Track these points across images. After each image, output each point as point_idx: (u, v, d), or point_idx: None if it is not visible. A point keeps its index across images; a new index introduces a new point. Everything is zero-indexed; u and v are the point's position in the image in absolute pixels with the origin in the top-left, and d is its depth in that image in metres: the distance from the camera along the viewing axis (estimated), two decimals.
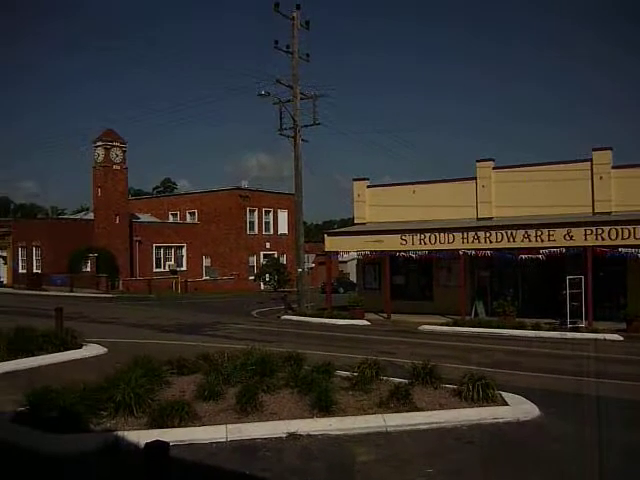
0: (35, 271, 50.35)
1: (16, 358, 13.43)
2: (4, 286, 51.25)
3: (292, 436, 8.27)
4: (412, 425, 8.77)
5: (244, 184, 60.36)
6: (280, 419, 8.76)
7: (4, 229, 54.50)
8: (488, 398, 9.66)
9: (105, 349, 15.76)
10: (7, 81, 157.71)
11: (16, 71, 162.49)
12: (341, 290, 51.30)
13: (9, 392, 10.77)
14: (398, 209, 29.58)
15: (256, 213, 59.03)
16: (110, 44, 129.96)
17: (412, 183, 31.01)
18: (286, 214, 60.90)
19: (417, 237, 26.56)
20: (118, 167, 50.77)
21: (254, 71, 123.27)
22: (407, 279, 30.69)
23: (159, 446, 4.52)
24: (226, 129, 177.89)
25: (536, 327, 22.02)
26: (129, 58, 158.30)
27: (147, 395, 8.91)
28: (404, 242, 26.80)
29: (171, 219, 60.94)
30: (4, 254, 54.44)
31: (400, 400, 9.36)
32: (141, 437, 7.77)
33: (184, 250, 57.52)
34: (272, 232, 60.71)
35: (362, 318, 26.72)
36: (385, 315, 27.60)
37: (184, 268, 56.55)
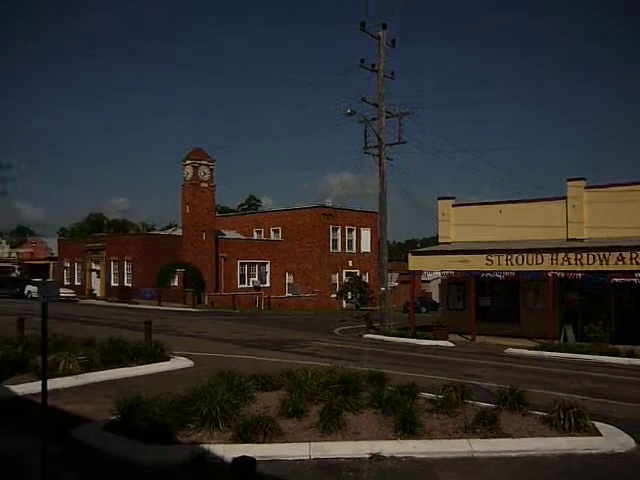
0: (126, 284, 52.30)
1: (109, 368, 13.94)
2: (97, 298, 53.45)
3: (375, 457, 8.16)
4: (500, 452, 8.49)
5: (327, 202, 60.78)
6: (363, 439, 8.68)
7: (98, 244, 57.06)
8: (580, 427, 9.23)
9: (191, 362, 16.12)
10: (103, 99, 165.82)
11: (111, 90, 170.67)
12: (423, 310, 50.65)
13: (102, 401, 11.18)
14: (484, 229, 28.97)
15: (339, 231, 59.25)
16: (199, 65, 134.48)
17: (499, 202, 30.31)
18: (369, 232, 60.87)
19: (504, 257, 25.90)
20: (206, 185, 52.24)
21: (339, 90, 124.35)
22: (492, 300, 29.90)
23: (246, 462, 4.57)
24: (310, 147, 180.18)
25: (630, 354, 20.92)
26: (215, 76, 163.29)
27: (232, 410, 9.03)
28: (490, 262, 26.19)
29: (255, 236, 62.03)
30: (98, 268, 56.90)
31: (487, 425, 9.09)
32: (226, 451, 7.88)
33: (268, 267, 58.37)
34: (355, 250, 60.74)
35: (446, 339, 26.22)
36: (469, 337, 26.99)
37: (267, 284, 57.34)
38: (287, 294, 57.50)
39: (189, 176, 51.78)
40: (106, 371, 13.77)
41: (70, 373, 12.99)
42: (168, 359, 15.62)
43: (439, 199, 32.27)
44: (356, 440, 8.66)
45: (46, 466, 6.80)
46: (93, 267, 57.56)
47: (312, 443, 8.42)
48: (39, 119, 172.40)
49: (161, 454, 8.00)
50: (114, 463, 7.82)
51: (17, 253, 75.77)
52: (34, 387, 11.55)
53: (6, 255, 74.88)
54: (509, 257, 25.78)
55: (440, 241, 31.89)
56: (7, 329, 16.66)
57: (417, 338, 26.37)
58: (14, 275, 66.93)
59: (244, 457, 4.63)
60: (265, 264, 58.26)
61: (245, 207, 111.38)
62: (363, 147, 30.72)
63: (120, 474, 7.54)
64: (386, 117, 30.20)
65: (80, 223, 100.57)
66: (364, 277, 59.14)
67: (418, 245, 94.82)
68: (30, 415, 10.16)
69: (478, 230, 29.27)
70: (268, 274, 58.37)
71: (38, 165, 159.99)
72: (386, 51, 30.02)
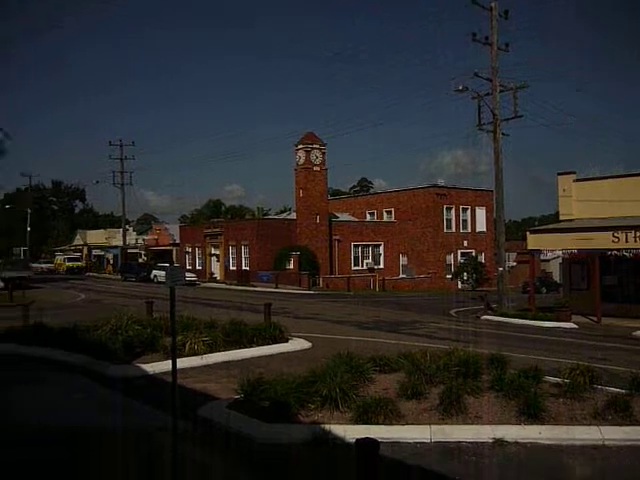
0: (244, 268, 53.94)
1: (231, 349, 14.44)
2: (217, 281, 55.51)
3: (498, 442, 7.96)
4: (634, 441, 8.02)
5: (440, 182, 59.72)
6: (485, 423, 8.48)
7: (217, 229, 59.17)
8: None
9: (309, 344, 16.39)
10: (222, 89, 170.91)
11: (227, 79, 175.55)
12: (543, 290, 48.80)
13: (225, 380, 11.62)
14: (609, 204, 27.40)
15: (453, 211, 58.08)
16: (302, 48, 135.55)
17: (624, 176, 28.54)
18: (484, 211, 59.26)
19: (632, 234, 24.42)
20: (318, 168, 52.76)
21: (449, 66, 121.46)
22: (619, 280, 28.30)
23: (370, 443, 4.57)
24: (420, 126, 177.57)
25: None
26: (323, 61, 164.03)
27: (351, 391, 9.09)
28: (616, 240, 24.77)
29: (368, 218, 62.01)
30: (217, 252, 59.07)
31: (618, 412, 8.61)
32: (347, 432, 7.96)
33: (381, 248, 58.25)
34: (469, 230, 59.37)
35: (568, 321, 25.15)
36: (594, 318, 25.73)
37: (381, 266, 57.27)
38: (401, 275, 57.19)
39: (302, 160, 52.50)
40: (228, 352, 14.26)
41: (195, 353, 13.57)
42: (287, 340, 15.95)
43: (559, 174, 30.82)
44: (478, 424, 8.47)
45: (177, 442, 7.15)
46: (213, 252, 59.80)
47: (433, 426, 8.33)
48: (161, 111, 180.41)
49: (283, 433, 8.19)
50: (238, 440, 8.08)
51: (143, 240, 80.00)
52: (163, 366, 12.16)
53: (133, 242, 79.24)
54: (638, 234, 24.27)
55: (561, 218, 30.50)
56: (137, 311, 17.60)
57: (538, 320, 25.46)
58: (141, 260, 70.72)
59: (368, 439, 4.63)
60: (378, 246, 58.17)
61: (357, 189, 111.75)
62: (477, 124, 29.82)
63: (244, 451, 7.79)
64: (500, 92, 29.15)
65: (200, 209, 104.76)
66: (480, 257, 57.69)
67: (536, 223, 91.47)
68: (160, 392, 10.68)
69: (603, 206, 27.71)
70: (382, 256, 58.27)
71: (159, 156, 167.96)
72: (499, 23, 28.91)
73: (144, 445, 8.06)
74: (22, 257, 74.10)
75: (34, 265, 68.07)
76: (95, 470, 7.13)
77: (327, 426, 8.25)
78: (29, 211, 78.42)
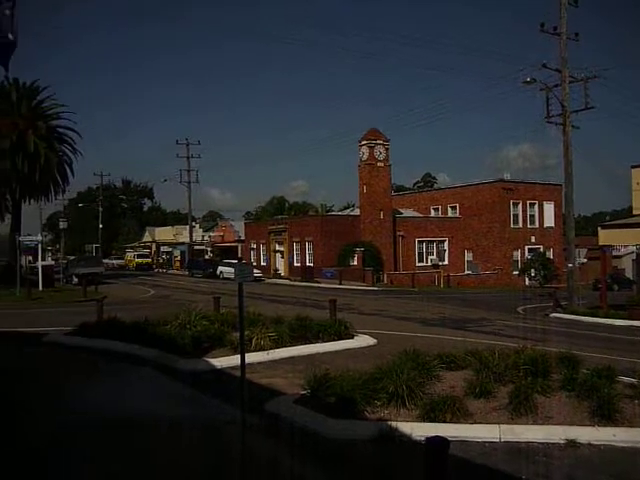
0: (308, 264, 54.28)
1: (296, 345, 14.55)
2: (281, 278, 56.05)
3: (571, 443, 7.75)
4: None
5: (506, 176, 58.48)
6: (556, 424, 8.27)
7: (281, 226, 59.74)
8: None
9: (374, 340, 16.34)
10: (287, 85, 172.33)
11: (288, 76, 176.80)
12: (615, 287, 47.12)
13: (292, 376, 11.72)
14: None
15: (520, 206, 56.81)
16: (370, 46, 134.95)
17: None
18: (552, 206, 57.77)
19: None
20: (382, 164, 52.57)
21: (516, 58, 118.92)
22: None
23: (440, 442, 4.53)
24: (486, 119, 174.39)
25: None
26: (383, 57, 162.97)
27: (418, 388, 9.03)
28: None
29: (432, 214, 61.38)
30: (281, 248, 59.64)
31: None
32: (414, 429, 7.91)
33: (446, 244, 57.57)
34: (537, 225, 57.97)
35: None
36: None
37: (446, 262, 56.61)
38: (466, 272, 56.37)
39: (365, 156, 52.41)
40: (294, 347, 14.37)
41: (262, 349, 13.73)
42: (352, 337, 15.95)
43: (633, 167, 29.79)
44: (549, 424, 8.28)
45: (245, 435, 7.28)
46: (277, 248, 60.41)
47: (502, 425, 8.19)
48: (226, 109, 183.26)
49: (349, 429, 8.20)
50: (305, 435, 8.14)
51: (209, 236, 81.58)
52: (231, 361, 12.38)
53: (200, 238, 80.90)
54: None
55: (634, 212, 29.48)
56: (204, 307, 17.95)
57: (609, 318, 24.66)
58: (207, 257, 72.09)
59: (438, 437, 4.59)
60: (443, 242, 57.51)
61: (421, 185, 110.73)
62: (545, 116, 29.10)
63: (311, 446, 7.84)
64: (569, 82, 28.32)
65: (264, 206, 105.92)
66: (548, 253, 56.23)
67: (607, 218, 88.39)
68: (228, 387, 10.89)
69: None
70: (446, 252, 57.58)
71: (224, 153, 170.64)
72: (567, 11, 28.08)
73: (213, 437, 8.23)
74: (94, 254, 76.75)
75: (105, 261, 70.29)
76: (168, 459, 7.33)
77: (394, 423, 8.22)
78: (101, 209, 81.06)
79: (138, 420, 8.84)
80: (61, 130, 46.83)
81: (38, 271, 38.99)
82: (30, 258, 53.11)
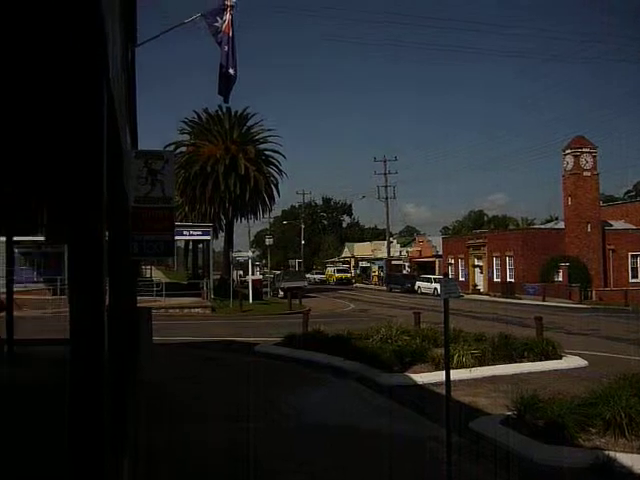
0: (508, 280, 52.38)
1: (499, 363, 14.12)
2: (480, 293, 54.67)
3: None
4: None
5: None
6: None
7: (480, 240, 58.41)
8: None
9: (585, 362, 15.34)
10: (480, 95, 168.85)
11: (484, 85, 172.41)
12: None
13: (495, 395, 11.40)
14: None
15: None
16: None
17: None
18: None
19: None
20: (588, 174, 49.36)
21: None
22: None
23: None
24: None
25: None
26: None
27: (639, 417, 8.32)
28: None
29: None
30: (480, 263, 58.24)
31: None
32: (635, 462, 7.32)
33: None
34: None
35: None
36: None
37: None
38: None
39: (569, 166, 49.57)
40: (497, 366, 13.96)
41: (463, 366, 13.50)
42: (560, 357, 15.12)
43: None
44: None
45: (450, 454, 7.18)
46: (476, 263, 59.10)
47: None
48: (419, 125, 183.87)
49: (560, 455, 7.77)
50: (511, 457, 7.85)
51: (407, 251, 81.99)
52: (432, 377, 12.35)
53: (397, 253, 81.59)
54: None
55: None
56: (404, 322, 18.06)
57: None
58: (405, 272, 72.45)
59: None
60: None
61: (632, 194, 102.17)
62: None
63: (518, 469, 7.54)
64: None
65: (461, 220, 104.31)
66: None
67: None
68: (429, 403, 10.84)
69: None
70: None
71: (419, 168, 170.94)
72: None
73: (417, 451, 8.22)
74: (297, 269, 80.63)
75: (307, 276, 73.49)
76: (372, 469, 7.47)
77: (611, 453, 7.64)
78: (303, 226, 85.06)
79: (345, 428, 9.12)
80: (268, 153, 49.99)
81: (248, 285, 41.84)
82: (241, 272, 57.18)
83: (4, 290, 12.81)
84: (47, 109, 4.18)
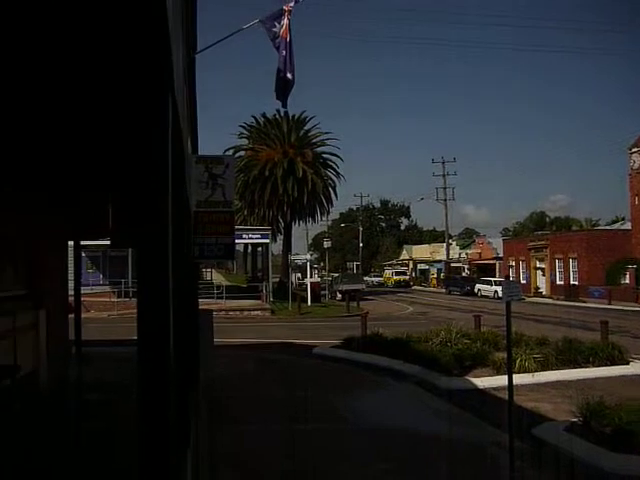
0: (572, 282, 51.05)
1: (563, 368, 13.78)
2: (542, 296, 53.41)
3: None
4: None
5: None
6: None
7: (541, 242, 57.11)
8: None
9: None
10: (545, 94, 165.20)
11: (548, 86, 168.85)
12: None
13: (559, 401, 11.14)
14: None
15: None
16: None
17: None
18: None
19: None
20: None
21: None
22: None
23: None
24: None
25: None
26: None
27: None
28: None
29: None
30: (542, 266, 56.91)
31: None
32: None
33: None
34: None
35: None
36: None
37: None
38: None
39: (637, 164, 47.97)
40: (561, 371, 13.63)
41: (525, 370, 13.23)
42: (627, 362, 14.64)
43: None
44: None
45: (513, 460, 7.06)
46: (537, 265, 57.80)
47: None
48: (479, 126, 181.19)
49: (630, 464, 7.54)
50: (577, 465, 7.66)
51: (466, 254, 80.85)
52: (493, 381, 12.18)
53: (456, 256, 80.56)
54: None
55: None
56: (464, 325, 17.83)
57: None
58: (464, 274, 71.44)
59: None
60: None
61: None
62: None
63: (590, 478, 7.36)
64: None
65: (522, 222, 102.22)
66: None
67: None
68: (490, 407, 10.66)
69: None
70: None
71: (478, 169, 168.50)
72: None
73: (479, 457, 8.11)
74: (355, 271, 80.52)
75: (365, 279, 73.28)
76: (433, 473, 7.42)
77: None
78: (361, 229, 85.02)
79: (406, 432, 9.09)
80: (325, 156, 50.17)
81: (307, 287, 42.06)
82: (299, 275, 57.52)
83: (72, 293, 13.24)
84: (114, 118, 4.33)
